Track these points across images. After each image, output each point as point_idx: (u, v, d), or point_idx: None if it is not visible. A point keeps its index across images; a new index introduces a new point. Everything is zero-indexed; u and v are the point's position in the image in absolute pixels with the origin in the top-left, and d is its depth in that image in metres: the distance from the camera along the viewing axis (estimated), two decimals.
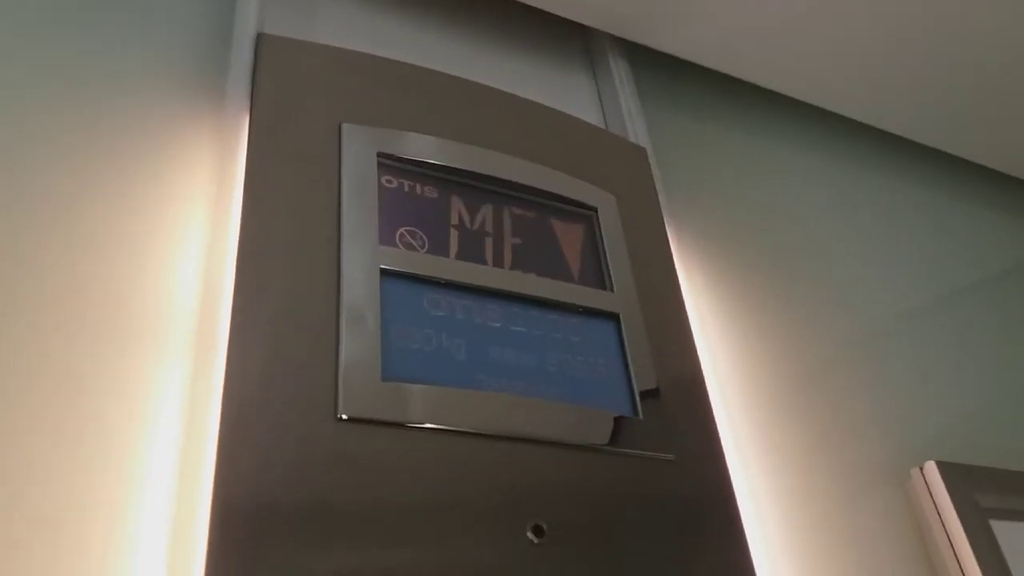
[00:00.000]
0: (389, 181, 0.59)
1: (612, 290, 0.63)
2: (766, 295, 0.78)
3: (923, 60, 0.91)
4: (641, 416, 0.58)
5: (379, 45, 0.71)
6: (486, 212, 0.63)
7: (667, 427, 0.58)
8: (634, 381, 0.59)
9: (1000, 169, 1.10)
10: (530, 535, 0.48)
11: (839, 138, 1.01)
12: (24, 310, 0.45)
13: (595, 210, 0.68)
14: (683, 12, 0.82)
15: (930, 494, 0.69)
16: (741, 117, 0.94)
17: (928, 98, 0.96)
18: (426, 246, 0.58)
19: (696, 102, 0.92)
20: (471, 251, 0.59)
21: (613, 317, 0.62)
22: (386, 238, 0.56)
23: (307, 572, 0.42)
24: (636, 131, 0.79)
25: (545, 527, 0.49)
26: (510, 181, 0.64)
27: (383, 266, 0.54)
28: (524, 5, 0.80)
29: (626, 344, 0.61)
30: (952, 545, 0.66)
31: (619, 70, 0.85)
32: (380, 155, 0.59)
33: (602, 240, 0.66)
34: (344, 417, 0.47)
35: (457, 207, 0.61)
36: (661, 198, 0.74)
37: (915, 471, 0.71)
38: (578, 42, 0.89)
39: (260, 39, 0.61)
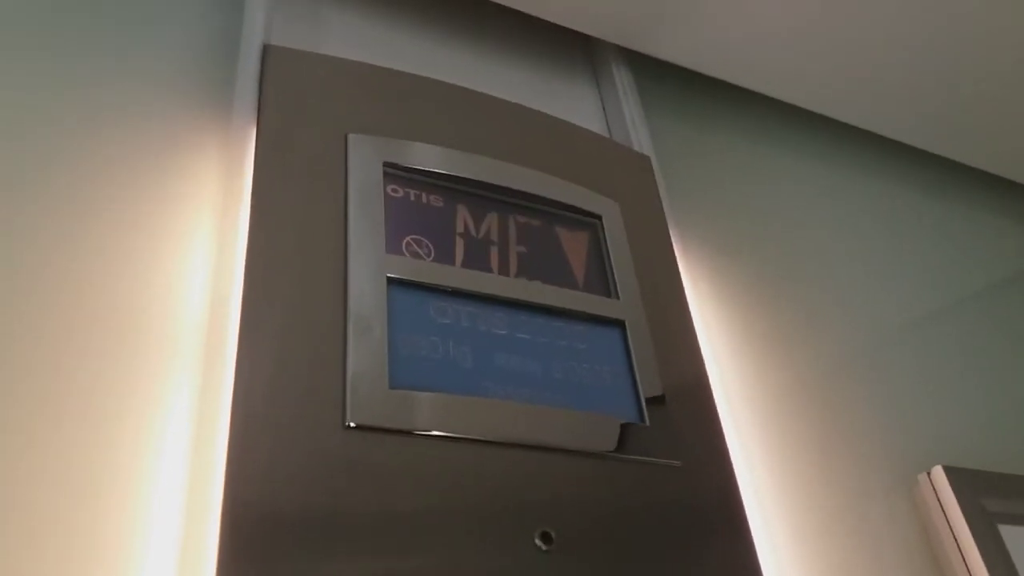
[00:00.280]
0: (395, 190, 0.60)
1: (617, 297, 0.64)
2: (770, 301, 0.78)
3: (925, 66, 0.92)
4: (647, 422, 0.58)
5: (385, 56, 0.72)
6: (491, 221, 0.63)
7: (673, 433, 0.58)
8: (640, 388, 0.59)
9: (1003, 175, 1.10)
10: (538, 542, 0.49)
11: (842, 145, 1.01)
12: (32, 322, 0.46)
13: (600, 218, 0.68)
14: (686, 21, 0.83)
15: (938, 499, 0.69)
16: (744, 125, 0.95)
17: (931, 104, 0.97)
18: (432, 254, 0.58)
19: (699, 110, 0.92)
20: (477, 259, 0.60)
21: (618, 324, 0.62)
22: (392, 247, 0.56)
23: None
24: (640, 140, 0.79)
25: (553, 534, 0.49)
26: (515, 190, 0.65)
27: (390, 274, 0.54)
28: (528, 16, 0.80)
29: (632, 351, 0.61)
30: (960, 550, 0.66)
31: (622, 79, 0.85)
32: (386, 165, 0.59)
33: (607, 248, 0.66)
34: (352, 425, 0.47)
35: (463, 216, 0.62)
36: (665, 206, 0.74)
37: (922, 476, 0.71)
38: (582, 52, 0.90)
39: (267, 50, 0.62)
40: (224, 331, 0.49)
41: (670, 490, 0.56)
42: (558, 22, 0.82)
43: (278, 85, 0.60)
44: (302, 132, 0.58)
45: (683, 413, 0.60)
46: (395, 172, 0.60)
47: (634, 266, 0.66)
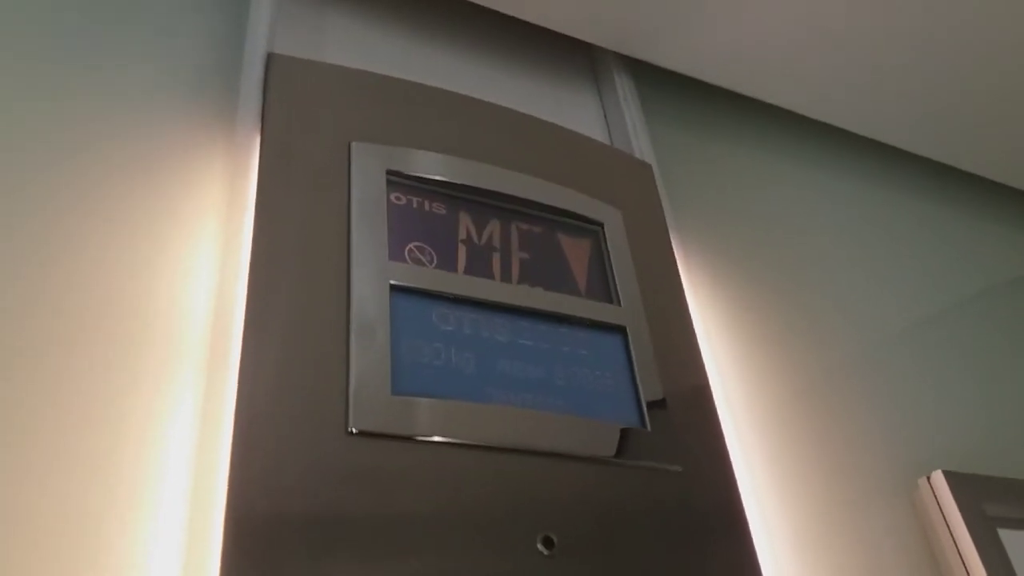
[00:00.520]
0: (398, 198, 0.60)
1: (619, 304, 0.64)
2: (771, 307, 0.79)
3: (924, 73, 0.92)
4: (649, 428, 0.58)
5: (388, 64, 0.72)
6: (493, 227, 0.63)
7: (675, 439, 0.59)
8: (641, 393, 0.60)
9: (1003, 180, 1.10)
10: (540, 547, 0.49)
11: (842, 152, 1.02)
12: (36, 326, 0.46)
13: (601, 225, 0.68)
14: (686, 29, 0.84)
15: (938, 504, 0.69)
16: (745, 132, 0.95)
17: (930, 110, 0.97)
18: (434, 261, 0.58)
19: (700, 118, 0.93)
20: (479, 266, 0.60)
21: (620, 330, 0.63)
22: (395, 254, 0.57)
23: None
24: (641, 147, 0.80)
25: (555, 539, 0.49)
26: (517, 197, 0.65)
27: (392, 281, 0.55)
28: (530, 24, 0.81)
29: (633, 357, 0.61)
30: (960, 554, 0.66)
31: (624, 87, 0.86)
32: (389, 172, 0.60)
33: (608, 254, 0.67)
34: (354, 431, 0.47)
35: (465, 223, 0.62)
36: (666, 212, 0.75)
37: (922, 481, 0.71)
38: (583, 60, 0.90)
39: (271, 59, 0.62)
40: (228, 337, 0.49)
41: (671, 495, 0.56)
42: (560, 31, 0.83)
43: (282, 93, 0.61)
44: (306, 140, 0.59)
45: (684, 418, 0.60)
46: (398, 180, 0.61)
47: (635, 273, 0.67)
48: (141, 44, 0.61)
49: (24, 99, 0.54)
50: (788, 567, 0.60)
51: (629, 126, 0.82)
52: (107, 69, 0.59)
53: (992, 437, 0.82)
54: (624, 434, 0.56)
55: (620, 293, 0.65)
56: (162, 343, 0.49)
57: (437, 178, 0.62)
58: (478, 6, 0.79)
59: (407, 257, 0.57)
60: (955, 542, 0.66)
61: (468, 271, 0.59)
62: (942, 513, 0.68)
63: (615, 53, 0.88)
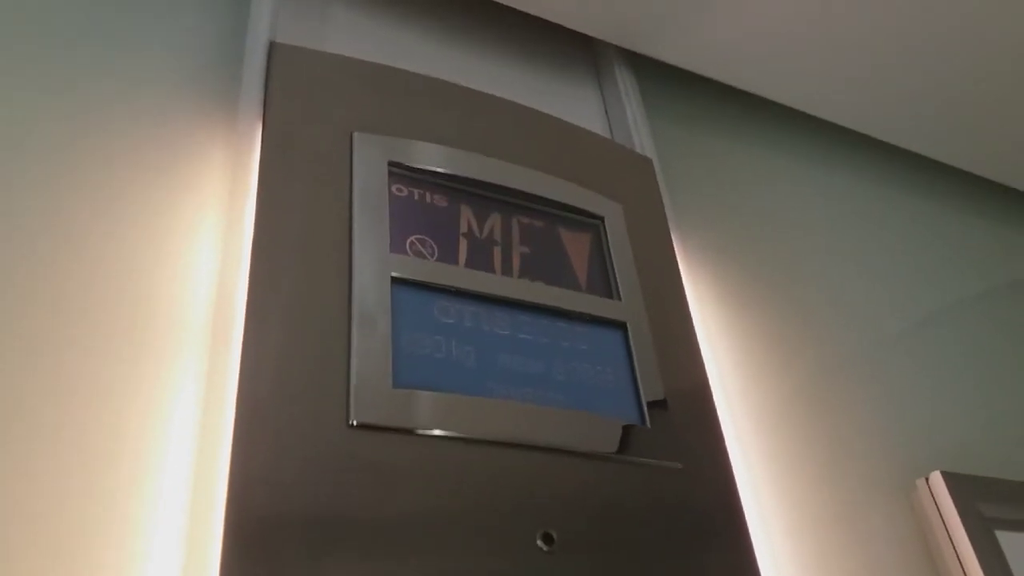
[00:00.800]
0: (400, 190, 0.60)
1: (619, 299, 0.64)
2: (771, 304, 0.78)
3: (924, 71, 0.92)
4: (648, 424, 0.58)
5: (390, 54, 0.72)
6: (494, 221, 0.63)
7: (674, 435, 0.58)
8: (641, 389, 0.59)
9: (1002, 180, 1.10)
10: (540, 543, 0.49)
11: (842, 149, 1.02)
12: (38, 318, 0.46)
13: (602, 219, 0.68)
14: (688, 24, 0.83)
15: (935, 504, 0.69)
16: (745, 128, 0.95)
17: (930, 110, 0.97)
18: (436, 254, 0.58)
19: (701, 113, 0.92)
20: (480, 259, 0.60)
21: (620, 326, 0.62)
22: (397, 246, 0.56)
23: None
24: (642, 141, 0.80)
25: (555, 535, 0.49)
26: (518, 190, 0.65)
27: (394, 274, 0.54)
28: (532, 17, 0.81)
29: (633, 352, 0.61)
30: (958, 555, 0.66)
31: (625, 81, 0.85)
32: (391, 164, 0.60)
33: (609, 249, 0.66)
34: (355, 424, 0.47)
35: (466, 216, 0.62)
36: (666, 207, 0.75)
37: (920, 482, 0.71)
38: (585, 54, 0.90)
39: (273, 48, 0.62)
40: (229, 328, 0.49)
41: (670, 492, 0.56)
42: (562, 23, 0.82)
43: (284, 83, 0.60)
44: (308, 130, 0.58)
45: (684, 415, 0.60)
46: (400, 171, 0.60)
47: (636, 267, 0.67)
48: (143, 33, 0.61)
49: (25, 88, 0.53)
50: (786, 566, 0.60)
51: (630, 120, 0.81)
52: (108, 58, 0.58)
53: (990, 438, 0.82)
54: (624, 430, 0.56)
55: (620, 288, 0.64)
56: (163, 334, 0.49)
57: (439, 170, 0.62)
58: None
59: (408, 249, 0.57)
60: (952, 543, 0.67)
61: (469, 264, 0.59)
62: (940, 514, 0.68)
63: (617, 47, 0.88)
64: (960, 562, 0.65)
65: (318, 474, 0.45)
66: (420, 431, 0.49)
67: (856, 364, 0.79)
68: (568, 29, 0.83)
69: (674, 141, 0.85)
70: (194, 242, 0.53)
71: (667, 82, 0.90)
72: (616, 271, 0.65)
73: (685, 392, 0.62)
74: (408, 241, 0.58)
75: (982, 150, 1.05)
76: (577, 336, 0.60)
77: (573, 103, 0.84)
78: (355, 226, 0.55)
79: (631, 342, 0.62)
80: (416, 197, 0.60)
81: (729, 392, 0.67)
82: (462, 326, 0.55)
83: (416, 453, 0.48)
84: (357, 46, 0.71)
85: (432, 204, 0.61)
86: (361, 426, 0.47)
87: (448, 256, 0.59)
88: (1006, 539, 0.68)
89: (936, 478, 0.70)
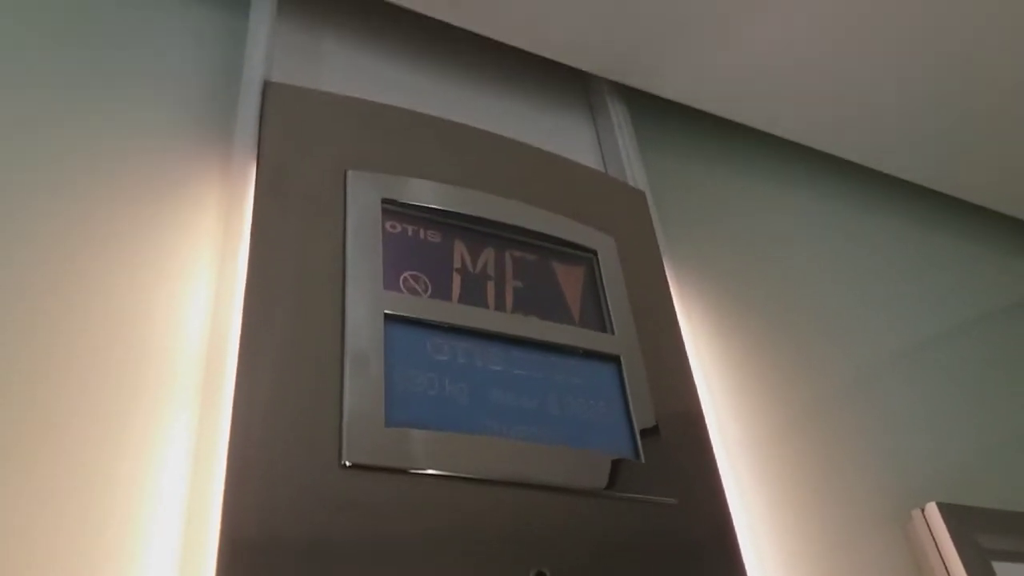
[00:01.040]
0: (393, 226, 0.60)
1: (612, 332, 0.64)
2: (765, 335, 0.79)
3: (916, 101, 0.93)
4: (643, 459, 0.58)
5: (385, 90, 0.73)
6: (488, 255, 0.63)
7: (669, 470, 0.58)
8: (635, 424, 0.59)
9: (994, 208, 1.11)
10: None
11: (835, 179, 1.02)
12: (31, 353, 0.46)
13: (595, 253, 0.68)
14: (680, 59, 0.84)
15: (932, 536, 0.69)
16: (738, 159, 0.96)
17: (921, 138, 0.98)
18: (429, 290, 0.58)
19: (694, 145, 0.93)
20: (473, 295, 0.60)
21: (614, 359, 0.63)
22: (390, 283, 0.57)
23: None
24: (635, 174, 0.80)
25: (548, 573, 0.49)
26: (511, 225, 0.65)
27: (387, 311, 0.55)
28: (525, 52, 0.82)
29: (627, 386, 0.61)
30: None
31: (618, 114, 0.86)
32: (384, 201, 0.60)
33: (602, 283, 0.67)
34: (348, 464, 0.47)
35: (460, 251, 0.62)
36: (660, 240, 0.75)
37: (916, 512, 0.71)
38: (578, 87, 0.91)
39: (267, 87, 0.62)
40: (222, 366, 0.49)
41: (666, 528, 0.56)
42: (555, 58, 0.83)
43: (278, 121, 0.61)
44: (302, 168, 0.59)
45: (678, 449, 0.60)
46: (393, 208, 0.61)
47: (629, 301, 0.67)
48: (138, 71, 0.62)
49: (22, 127, 0.54)
50: None
51: (623, 153, 0.82)
52: (104, 96, 0.59)
53: (987, 468, 0.82)
54: (618, 466, 0.56)
55: (614, 322, 0.65)
56: (156, 372, 0.49)
57: (432, 206, 0.62)
58: (474, 34, 0.79)
59: (402, 286, 0.57)
60: (949, 574, 0.66)
61: (462, 300, 0.59)
62: (936, 545, 0.68)
63: (610, 81, 0.89)
64: None
65: (311, 516, 0.44)
66: (413, 470, 0.49)
67: (851, 394, 0.79)
68: (561, 63, 0.84)
69: (667, 173, 0.86)
70: (188, 281, 0.53)
71: (660, 114, 0.91)
72: (609, 304, 0.66)
73: (679, 425, 0.62)
74: (402, 277, 0.58)
75: (976, 178, 1.06)
76: (571, 370, 0.60)
77: (567, 136, 0.85)
78: (348, 263, 0.55)
79: (625, 376, 0.62)
80: (410, 233, 0.61)
81: (724, 424, 0.67)
82: (455, 362, 0.56)
83: (409, 492, 0.48)
84: (352, 82, 0.72)
85: (425, 240, 0.61)
86: (354, 466, 0.47)
87: (442, 292, 0.59)
88: (1004, 571, 0.67)
89: (932, 509, 0.70)
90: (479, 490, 0.50)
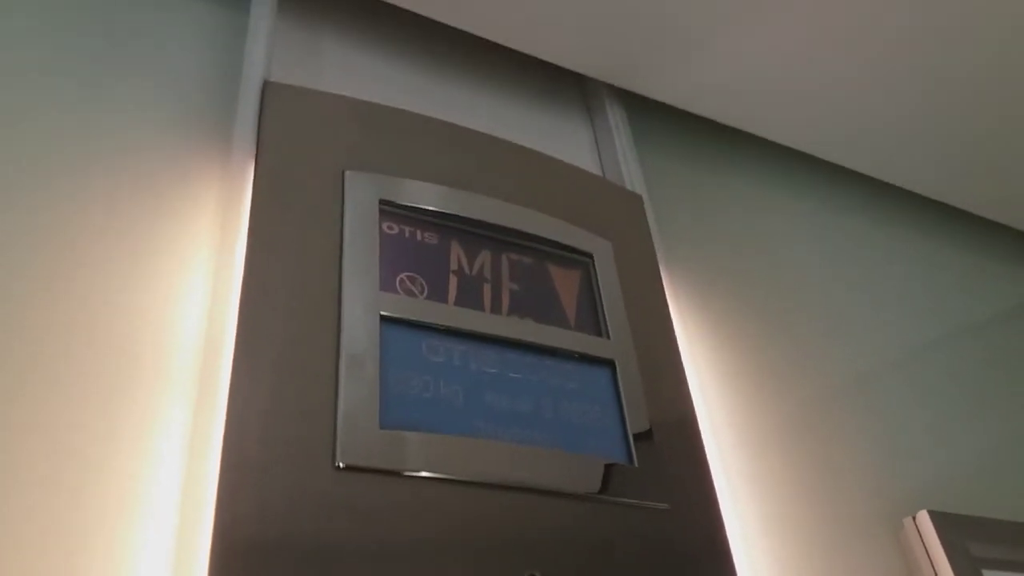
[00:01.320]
0: (390, 227, 0.60)
1: (608, 336, 0.64)
2: (760, 340, 0.79)
3: (915, 111, 0.93)
4: (636, 464, 0.58)
5: (384, 90, 0.73)
6: (484, 258, 0.63)
7: (662, 475, 0.58)
8: (629, 428, 0.59)
9: (992, 217, 1.11)
10: None
11: (832, 184, 1.03)
12: (25, 354, 0.46)
13: (591, 256, 0.69)
14: (678, 63, 0.84)
15: (923, 544, 0.69)
16: (735, 163, 0.96)
17: (916, 146, 0.98)
18: (425, 292, 0.58)
19: (691, 149, 0.93)
20: (469, 297, 0.60)
21: (609, 364, 0.63)
22: (386, 284, 0.57)
23: None
24: (632, 178, 0.80)
25: None
26: (508, 227, 0.65)
27: (383, 312, 0.55)
28: (524, 55, 0.82)
29: (621, 391, 0.61)
30: None
31: (615, 118, 0.86)
32: (382, 202, 0.60)
33: (598, 286, 0.67)
34: (342, 465, 0.47)
35: (456, 253, 0.62)
36: (656, 244, 0.75)
37: (908, 520, 0.71)
38: (576, 90, 0.91)
39: (267, 87, 0.62)
40: (218, 367, 0.49)
41: (658, 533, 0.56)
42: (553, 61, 0.83)
43: (277, 121, 0.60)
44: (300, 169, 0.59)
45: (671, 455, 0.60)
46: (390, 209, 0.61)
47: (625, 305, 0.67)
48: (138, 71, 0.61)
49: (20, 124, 0.54)
50: None
51: (620, 156, 0.82)
52: (103, 95, 0.59)
53: (979, 477, 0.82)
54: (611, 471, 0.56)
55: (609, 326, 0.65)
56: (152, 371, 0.49)
57: (429, 208, 0.62)
58: (473, 36, 0.79)
59: (398, 287, 0.57)
60: None
61: (459, 302, 0.59)
62: (927, 553, 0.68)
63: (608, 84, 0.89)
64: None
65: (304, 516, 0.44)
66: (407, 472, 0.49)
67: (844, 401, 0.80)
68: (560, 66, 0.84)
69: (664, 176, 0.86)
70: (184, 279, 0.53)
71: (657, 117, 0.91)
72: (605, 308, 0.66)
73: (673, 431, 0.62)
74: (398, 279, 0.58)
75: (971, 186, 1.06)
76: (565, 374, 0.60)
77: (564, 139, 0.85)
78: (345, 264, 0.55)
79: (619, 380, 0.62)
80: (407, 235, 0.61)
81: (717, 429, 0.67)
82: (451, 364, 0.56)
83: (403, 494, 0.48)
84: (351, 81, 0.72)
85: (423, 241, 0.61)
86: (348, 468, 0.47)
87: (438, 294, 0.59)
88: None
89: (924, 517, 0.70)
90: (472, 493, 0.50)
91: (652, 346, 0.66)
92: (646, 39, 0.81)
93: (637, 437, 0.59)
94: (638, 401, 0.62)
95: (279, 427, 0.47)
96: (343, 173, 0.60)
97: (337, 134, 0.63)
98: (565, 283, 0.67)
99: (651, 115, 0.90)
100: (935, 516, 0.69)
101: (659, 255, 0.75)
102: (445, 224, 0.63)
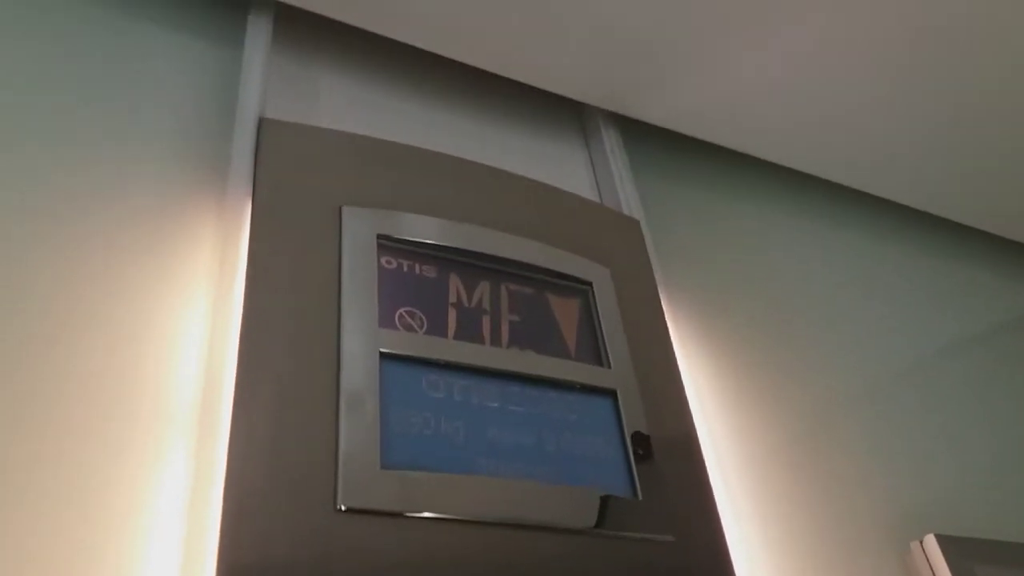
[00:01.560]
0: (388, 262, 0.60)
1: (609, 366, 0.64)
2: (762, 362, 0.79)
3: (915, 127, 0.93)
4: (640, 496, 0.57)
5: (379, 123, 0.73)
6: (483, 289, 0.63)
7: (666, 507, 0.58)
8: (632, 460, 0.59)
9: (993, 232, 1.11)
10: None
11: (831, 205, 1.03)
12: (24, 390, 0.46)
13: (590, 284, 0.68)
14: (672, 85, 0.85)
15: (930, 567, 0.68)
16: (732, 185, 0.96)
17: (919, 164, 0.98)
18: (425, 326, 0.58)
19: (687, 171, 0.94)
20: (469, 330, 0.60)
21: (610, 393, 0.62)
22: (385, 320, 0.56)
23: None
24: (629, 202, 0.80)
25: None
26: (506, 258, 0.65)
27: (383, 349, 0.54)
28: (519, 83, 0.82)
29: (624, 421, 0.61)
30: None
31: (611, 142, 0.86)
32: (380, 236, 0.60)
33: (598, 315, 0.67)
34: (343, 508, 0.46)
35: (455, 285, 0.62)
36: (654, 268, 0.75)
37: (914, 544, 0.70)
38: (571, 115, 0.91)
39: (262, 123, 0.62)
40: (217, 406, 0.49)
41: (664, 565, 0.55)
42: (548, 88, 0.83)
43: (273, 158, 0.61)
44: (296, 205, 0.59)
45: (675, 485, 0.60)
46: (388, 243, 0.60)
47: (625, 332, 0.67)
48: (134, 106, 0.62)
49: (15, 166, 0.54)
50: None
51: (617, 181, 0.82)
52: (99, 132, 0.59)
53: (987, 499, 0.81)
54: (615, 504, 0.56)
55: (610, 355, 0.64)
56: (151, 410, 0.49)
57: (427, 241, 0.62)
58: (468, 66, 0.79)
59: (397, 323, 0.57)
60: None
61: (458, 336, 0.59)
62: None
63: (603, 109, 0.89)
64: None
65: (306, 560, 0.44)
66: (409, 514, 0.48)
67: (848, 424, 0.79)
68: (555, 92, 0.84)
69: (662, 200, 0.86)
70: (183, 320, 0.53)
71: (654, 141, 0.91)
72: (605, 337, 0.65)
73: (676, 460, 0.62)
74: (397, 314, 0.58)
75: (976, 204, 1.06)
76: (567, 405, 0.60)
77: (561, 164, 0.85)
78: (344, 301, 0.55)
79: (621, 411, 0.61)
80: (405, 269, 0.61)
81: (721, 456, 0.67)
82: (451, 400, 0.55)
83: (405, 536, 0.47)
84: (346, 114, 0.72)
85: (421, 275, 0.61)
86: (349, 510, 0.47)
87: (437, 328, 0.59)
88: None
89: (931, 541, 0.69)
90: (476, 532, 0.50)
91: (653, 373, 0.66)
92: (640, 64, 0.82)
93: (640, 468, 0.59)
94: (641, 431, 0.61)
95: (280, 469, 0.47)
96: (340, 208, 0.60)
97: (333, 169, 0.63)
98: (565, 312, 0.66)
99: (647, 139, 0.90)
100: (942, 540, 0.69)
101: (658, 279, 0.74)
102: (443, 256, 0.63)
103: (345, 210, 0.60)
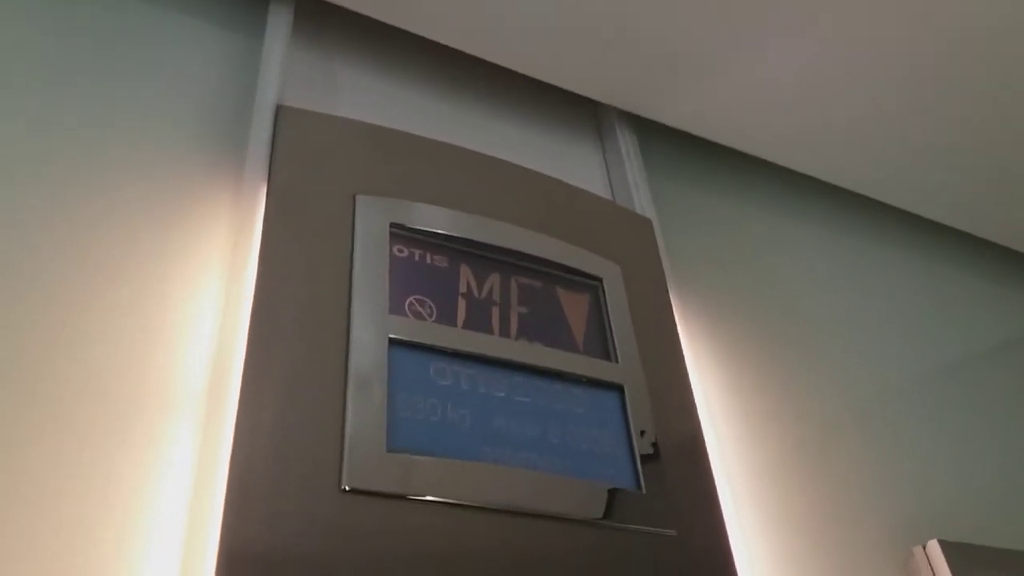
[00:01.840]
0: (400, 251, 0.61)
1: (616, 361, 0.64)
2: (769, 366, 0.79)
3: (927, 135, 0.93)
4: (644, 490, 0.58)
5: (396, 114, 0.73)
6: (493, 281, 0.64)
7: (670, 501, 0.58)
8: (637, 454, 0.59)
9: (1004, 243, 1.11)
10: None
11: (843, 209, 1.03)
12: (33, 376, 0.46)
13: (600, 280, 0.69)
14: (688, 87, 0.85)
15: (933, 573, 0.68)
16: (745, 189, 0.96)
17: (932, 173, 0.98)
18: (434, 315, 0.59)
19: (702, 174, 0.94)
20: (478, 320, 0.60)
21: (617, 388, 0.63)
22: (395, 307, 0.57)
23: None
24: (642, 202, 0.81)
25: None
26: (517, 251, 0.66)
27: (392, 335, 0.55)
28: (534, 80, 0.82)
29: (630, 416, 0.61)
30: None
31: (626, 142, 0.87)
32: (392, 225, 0.61)
33: (607, 310, 0.67)
34: (347, 489, 0.47)
35: (466, 276, 0.63)
36: (666, 268, 0.75)
37: (917, 550, 0.70)
38: (587, 115, 0.91)
39: (280, 111, 0.63)
40: (226, 387, 0.49)
41: (665, 560, 0.56)
42: (565, 87, 0.84)
43: (290, 146, 0.61)
44: (311, 193, 0.59)
45: (679, 481, 0.60)
46: (401, 232, 0.61)
47: (634, 329, 0.67)
48: (151, 94, 0.62)
49: (28, 151, 0.55)
50: None
51: (630, 180, 0.82)
52: (116, 117, 0.60)
53: (990, 505, 0.81)
54: (618, 496, 0.56)
55: (618, 350, 0.65)
56: (160, 392, 0.49)
57: (439, 231, 0.63)
58: (485, 61, 0.80)
59: (407, 310, 0.58)
60: None
61: (467, 325, 0.59)
62: None
63: (619, 109, 0.89)
64: None
65: (309, 538, 0.45)
66: (412, 496, 0.49)
67: (854, 428, 0.79)
68: (571, 91, 0.85)
69: (675, 201, 0.86)
70: (195, 304, 0.54)
71: (669, 142, 0.91)
72: (614, 332, 0.66)
73: (681, 456, 0.62)
74: (407, 302, 0.58)
75: (989, 215, 1.06)
76: (573, 399, 0.61)
77: (575, 163, 0.85)
78: (355, 287, 0.56)
79: (628, 406, 0.62)
80: (416, 258, 0.61)
81: (726, 456, 0.67)
82: (458, 388, 0.56)
83: (408, 518, 0.48)
84: (363, 106, 0.73)
85: (432, 265, 0.62)
86: (353, 491, 0.47)
87: (447, 317, 0.59)
88: None
89: (933, 547, 0.69)
90: (478, 518, 0.50)
91: (661, 370, 0.66)
92: (657, 65, 0.82)
93: (645, 462, 0.59)
94: (646, 426, 0.61)
95: (286, 449, 0.47)
96: (354, 197, 0.61)
97: (349, 158, 0.63)
98: (574, 307, 0.67)
99: (662, 140, 0.91)
100: (945, 545, 0.69)
101: (669, 279, 0.75)
102: (455, 247, 0.63)
103: (359, 198, 0.61)
